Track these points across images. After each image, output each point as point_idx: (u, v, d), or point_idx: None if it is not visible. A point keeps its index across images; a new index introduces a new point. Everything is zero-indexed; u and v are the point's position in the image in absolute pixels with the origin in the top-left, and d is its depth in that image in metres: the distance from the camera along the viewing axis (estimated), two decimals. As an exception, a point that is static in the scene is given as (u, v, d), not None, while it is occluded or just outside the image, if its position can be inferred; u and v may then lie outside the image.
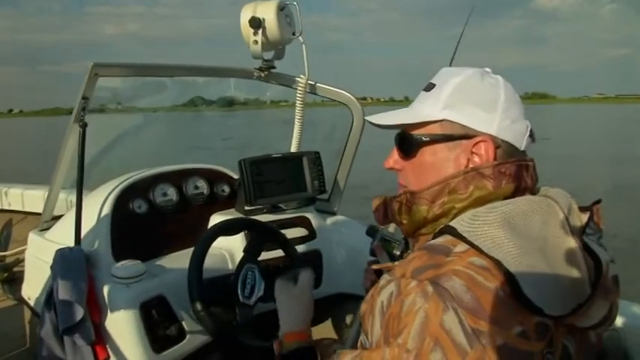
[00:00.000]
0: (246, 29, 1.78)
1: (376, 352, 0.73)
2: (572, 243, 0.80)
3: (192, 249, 1.83)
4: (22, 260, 2.88)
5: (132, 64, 1.69)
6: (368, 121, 1.04)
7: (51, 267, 1.59)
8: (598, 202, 0.87)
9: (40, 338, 1.59)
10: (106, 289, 1.54)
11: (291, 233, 1.89)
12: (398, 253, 1.47)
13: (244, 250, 1.60)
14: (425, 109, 0.94)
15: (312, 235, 2.02)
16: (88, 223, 1.67)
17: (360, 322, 0.90)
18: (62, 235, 1.80)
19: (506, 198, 0.87)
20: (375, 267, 1.20)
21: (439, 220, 0.90)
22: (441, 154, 0.92)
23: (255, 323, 1.56)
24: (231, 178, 2.07)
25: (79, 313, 1.48)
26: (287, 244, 1.71)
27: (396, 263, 0.99)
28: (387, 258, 1.46)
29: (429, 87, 0.96)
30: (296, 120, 2.02)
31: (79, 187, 1.62)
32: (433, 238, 0.86)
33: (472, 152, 0.90)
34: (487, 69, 0.96)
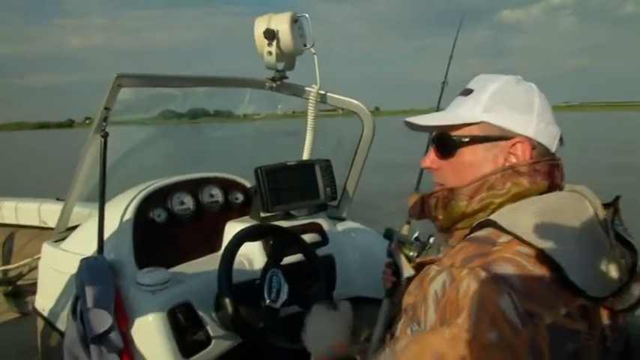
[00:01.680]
0: (261, 40, 1.82)
1: (436, 333, 0.77)
2: (604, 232, 0.87)
3: (210, 256, 1.88)
4: (26, 274, 2.88)
5: (154, 75, 1.73)
6: (408, 122, 1.08)
7: (75, 276, 1.60)
8: (618, 197, 0.94)
9: (64, 347, 1.60)
10: (132, 297, 1.56)
11: (304, 239, 1.93)
12: (415, 254, 1.52)
13: (268, 256, 1.64)
14: (464, 112, 1.00)
15: (324, 240, 2.06)
16: (109, 232, 1.69)
17: (393, 319, 0.94)
18: (80, 245, 1.81)
19: (540, 194, 0.93)
20: (418, 260, 1.25)
21: (477, 214, 0.96)
22: (480, 154, 0.98)
23: (281, 326, 1.59)
24: (244, 186, 2.11)
25: (108, 321, 1.49)
26: (308, 250, 1.75)
27: (440, 255, 1.04)
28: (405, 259, 1.51)
29: (467, 92, 1.02)
30: (308, 129, 2.07)
31: (102, 197, 1.64)
32: (472, 231, 0.92)
33: (509, 152, 0.96)
34: (519, 77, 1.03)
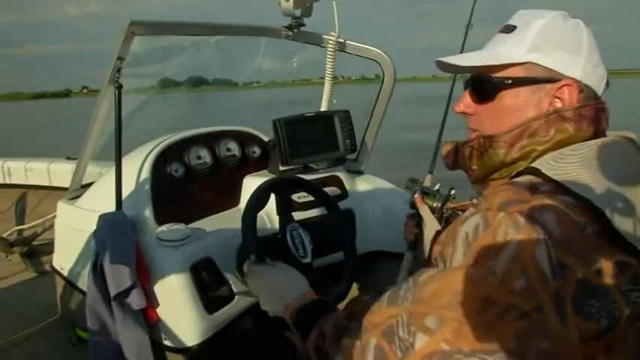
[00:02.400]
0: (277, -15, 1.74)
1: (461, 271, 0.73)
2: None
3: (229, 211, 1.84)
4: (41, 233, 2.86)
5: (167, 22, 1.65)
6: (442, 61, 1.01)
7: (94, 233, 1.57)
8: None
9: (87, 305, 1.58)
10: (153, 253, 1.53)
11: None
12: (439, 205, 1.48)
13: (279, 213, 1.59)
14: (507, 51, 0.93)
15: (344, 194, 2.02)
16: (127, 187, 1.65)
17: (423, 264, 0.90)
18: (98, 202, 1.77)
19: (585, 140, 0.87)
20: (452, 206, 1.20)
21: (517, 163, 0.91)
22: (524, 98, 0.91)
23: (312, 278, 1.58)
24: (262, 139, 2.05)
25: (131, 277, 1.46)
26: (332, 203, 1.71)
27: (474, 200, 0.99)
28: (428, 210, 1.47)
29: (510, 29, 0.95)
30: (326, 78, 2.00)
31: (118, 151, 1.59)
32: (511, 179, 0.87)
33: (555, 96, 0.90)
34: (565, 12, 0.95)
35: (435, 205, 1.48)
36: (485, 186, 0.97)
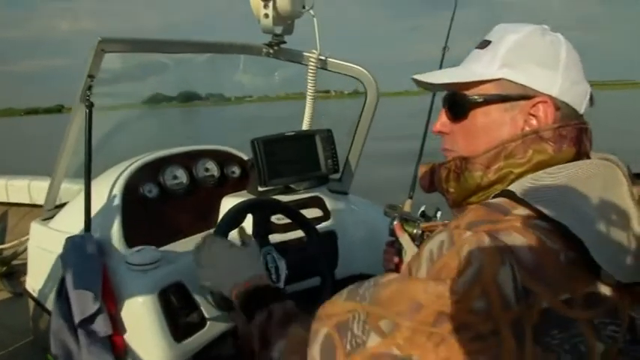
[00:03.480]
0: (256, 2, 1.69)
1: (421, 283, 0.70)
2: (637, 209, 0.75)
3: (206, 233, 1.78)
4: (20, 253, 2.80)
5: (139, 39, 1.61)
6: (416, 79, 0.97)
7: (60, 256, 1.51)
8: None
9: (51, 331, 1.52)
10: (121, 277, 1.48)
11: (305, 214, 1.83)
12: (419, 232, 1.43)
13: (254, 235, 1.53)
14: (479, 68, 0.88)
15: (326, 215, 1.96)
16: (97, 209, 1.60)
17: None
18: (68, 223, 1.72)
19: (567, 162, 0.82)
20: (424, 226, 1.15)
21: (493, 186, 0.86)
22: (496, 116, 0.87)
23: None
24: (241, 159, 2.00)
25: (96, 303, 1.41)
26: (308, 226, 1.65)
27: (447, 221, 0.94)
28: (408, 238, 1.42)
29: (484, 44, 0.90)
30: (307, 97, 1.95)
31: (87, 171, 1.54)
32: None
33: (530, 114, 0.85)
34: (545, 26, 0.90)
35: (415, 232, 1.43)
36: (463, 209, 0.93)
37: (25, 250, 2.76)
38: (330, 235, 1.92)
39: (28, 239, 2.71)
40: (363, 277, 1.87)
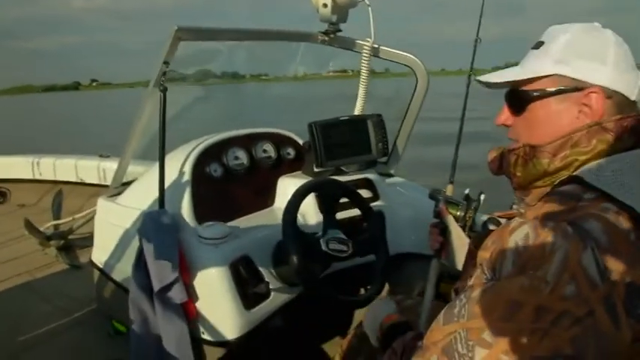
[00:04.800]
0: (316, -7, 1.78)
1: (512, 282, 0.77)
2: None
3: (265, 210, 1.90)
4: (76, 228, 2.95)
5: (213, 28, 1.71)
6: (479, 80, 1.07)
7: (138, 230, 1.63)
8: None
9: (129, 299, 1.65)
10: (194, 250, 1.59)
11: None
12: (462, 214, 1.52)
13: (324, 211, 1.64)
14: (535, 66, 0.98)
15: (375, 196, 2.06)
16: (168, 187, 1.71)
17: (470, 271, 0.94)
18: (138, 200, 1.84)
19: (625, 150, 0.90)
20: (498, 214, 1.24)
21: (559, 172, 0.94)
22: (553, 107, 0.96)
23: (341, 279, 1.61)
24: (296, 141, 2.10)
25: (174, 272, 1.52)
26: (366, 207, 1.75)
27: (522, 208, 1.03)
28: (452, 219, 1.51)
29: (538, 45, 1.00)
30: (361, 83, 2.04)
31: (162, 151, 1.65)
32: (554, 188, 0.90)
33: (583, 104, 0.93)
34: (596, 24, 0.99)
35: (458, 214, 1.52)
36: (528, 192, 1.02)
37: (81, 225, 2.91)
38: (380, 215, 2.02)
39: (84, 215, 2.87)
40: (409, 255, 1.98)
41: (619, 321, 0.72)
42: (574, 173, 0.89)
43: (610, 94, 0.93)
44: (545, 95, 0.96)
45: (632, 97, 0.96)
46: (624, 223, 0.76)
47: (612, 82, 0.93)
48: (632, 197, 0.78)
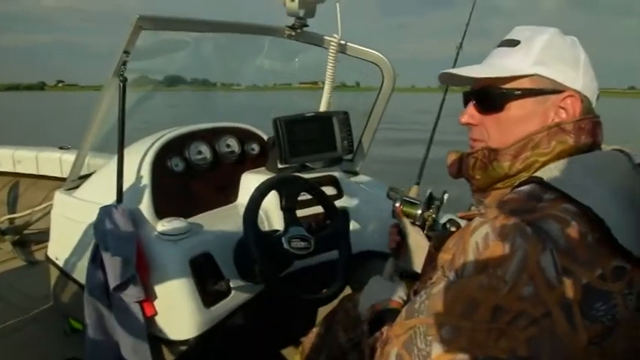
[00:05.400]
0: (283, -15, 1.76)
1: (472, 280, 0.77)
2: None
3: (227, 206, 1.86)
4: (33, 222, 2.86)
5: (174, 18, 1.66)
6: (448, 72, 1.05)
7: (94, 225, 1.58)
8: None
9: (84, 296, 1.60)
10: (153, 246, 1.55)
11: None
12: (419, 212, 1.50)
13: (285, 208, 1.61)
14: (513, 64, 0.97)
15: (339, 194, 2.05)
16: (127, 181, 1.66)
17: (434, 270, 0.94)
18: (96, 194, 1.78)
19: (583, 152, 0.92)
20: (460, 214, 1.24)
21: (520, 174, 0.95)
22: (530, 108, 0.96)
23: (303, 277, 1.59)
24: (261, 137, 2.08)
25: (130, 270, 1.48)
26: (329, 204, 1.74)
27: (481, 209, 1.02)
28: (407, 220, 1.50)
29: (513, 43, 0.99)
30: (327, 79, 2.03)
31: (121, 144, 1.60)
32: (515, 188, 0.90)
33: (560, 107, 0.95)
34: (558, 29, 1.00)
35: (416, 212, 1.50)
36: (487, 194, 1.02)
37: (37, 219, 2.82)
38: (344, 213, 2.00)
39: (41, 209, 2.78)
40: (372, 253, 1.97)
41: (575, 323, 0.72)
42: (534, 174, 0.89)
43: (582, 99, 0.95)
44: (525, 95, 0.96)
45: (594, 104, 0.98)
46: (582, 224, 0.77)
47: (584, 87, 0.95)
48: (590, 198, 0.78)
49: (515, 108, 0.97)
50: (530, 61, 0.95)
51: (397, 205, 1.49)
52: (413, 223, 1.47)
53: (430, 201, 1.51)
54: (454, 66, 1.84)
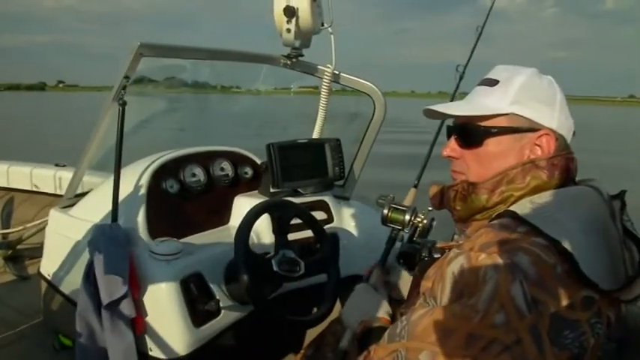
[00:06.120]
0: (280, 17, 1.82)
1: (448, 309, 0.84)
2: (617, 226, 0.93)
3: (219, 228, 1.91)
4: (26, 238, 2.88)
5: (175, 46, 1.73)
6: (431, 109, 1.11)
7: (89, 242, 1.62)
8: (624, 192, 0.99)
9: (77, 312, 1.62)
10: (145, 265, 1.59)
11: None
12: (407, 218, 1.47)
13: (278, 232, 1.66)
14: (492, 103, 1.04)
15: (330, 218, 2.10)
16: (122, 200, 1.70)
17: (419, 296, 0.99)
18: (91, 213, 1.82)
19: (556, 187, 0.98)
20: (440, 245, 1.28)
21: (497, 206, 1.01)
22: (506, 145, 1.02)
23: (292, 299, 1.63)
24: (254, 161, 2.13)
25: (123, 287, 1.52)
26: (319, 229, 1.78)
27: (460, 241, 1.08)
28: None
29: (492, 82, 1.06)
30: (320, 108, 2.09)
31: (118, 165, 1.65)
32: (492, 220, 0.96)
33: (535, 144, 1.01)
34: (536, 69, 1.06)
35: (403, 219, 1.50)
36: (468, 225, 1.09)
37: (31, 235, 2.85)
38: (334, 237, 2.05)
39: (34, 225, 2.80)
40: (361, 277, 2.01)
41: (544, 350, 0.77)
42: (509, 208, 0.95)
43: (557, 137, 1.01)
44: (502, 132, 1.02)
45: (568, 141, 1.04)
46: (551, 256, 0.82)
47: (559, 126, 1.01)
48: (559, 232, 0.84)
49: (492, 144, 1.03)
50: (508, 101, 1.01)
51: (385, 211, 1.51)
52: (401, 230, 1.49)
53: (414, 213, 1.50)
54: (454, 94, 1.91)
